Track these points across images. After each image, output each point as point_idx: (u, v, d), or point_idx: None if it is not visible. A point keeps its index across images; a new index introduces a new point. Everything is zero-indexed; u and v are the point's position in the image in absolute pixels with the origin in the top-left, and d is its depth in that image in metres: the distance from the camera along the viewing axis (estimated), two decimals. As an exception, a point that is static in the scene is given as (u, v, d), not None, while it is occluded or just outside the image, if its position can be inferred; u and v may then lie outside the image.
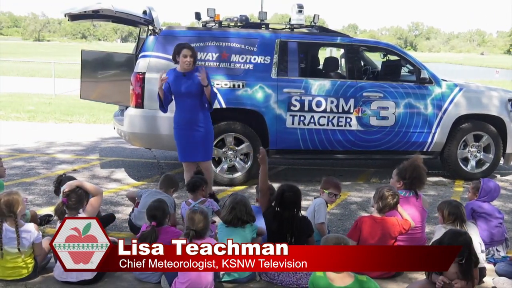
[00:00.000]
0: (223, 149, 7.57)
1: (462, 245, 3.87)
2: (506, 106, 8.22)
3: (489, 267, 4.76)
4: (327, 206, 5.26)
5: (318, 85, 7.61)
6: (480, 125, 8.17)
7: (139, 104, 7.28)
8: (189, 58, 6.14)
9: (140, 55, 7.38)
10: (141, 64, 7.29)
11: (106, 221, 5.55)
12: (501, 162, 8.50)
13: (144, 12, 7.64)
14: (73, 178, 5.37)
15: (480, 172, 8.25)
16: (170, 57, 7.21)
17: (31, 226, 4.45)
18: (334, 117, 7.65)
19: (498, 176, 8.60)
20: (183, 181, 6.61)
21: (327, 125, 7.65)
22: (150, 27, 7.49)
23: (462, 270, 3.97)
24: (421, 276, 4.49)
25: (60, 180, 5.28)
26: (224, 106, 7.40)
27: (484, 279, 4.55)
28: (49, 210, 6.10)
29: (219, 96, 7.32)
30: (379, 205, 4.78)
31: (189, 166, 6.37)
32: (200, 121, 6.30)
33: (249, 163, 7.64)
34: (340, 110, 7.64)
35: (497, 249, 5.06)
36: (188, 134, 6.30)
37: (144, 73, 7.23)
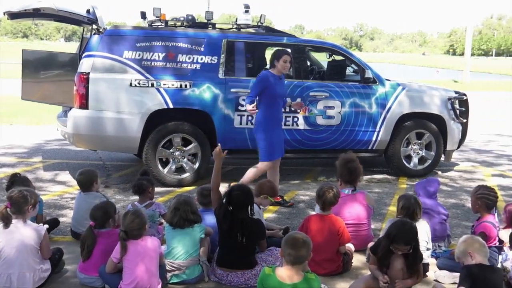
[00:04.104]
0: (171, 150, 7.51)
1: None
2: (446, 104, 8.49)
3: (431, 261, 4.90)
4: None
5: (265, 85, 7.64)
6: (422, 123, 8.41)
7: (84, 105, 7.13)
8: (289, 63, 6.58)
9: (84, 55, 7.22)
10: (85, 64, 7.13)
11: (50, 226, 5.40)
12: (442, 159, 8.78)
13: (88, 11, 7.49)
14: (27, 179, 5.26)
15: (423, 169, 8.51)
16: (116, 57, 7.16)
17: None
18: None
19: (439, 172, 8.89)
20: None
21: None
22: (94, 26, 7.34)
23: (408, 265, 4.08)
24: (367, 272, 4.59)
25: (13, 180, 5.13)
26: (171, 106, 7.34)
27: (426, 274, 4.69)
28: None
29: (166, 96, 7.27)
30: (321, 203, 4.87)
31: (276, 163, 6.75)
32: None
33: (197, 163, 7.60)
34: (287, 109, 7.70)
35: (438, 245, 5.21)
36: (279, 133, 6.73)
37: (88, 73, 7.09)
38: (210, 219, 4.83)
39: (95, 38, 7.23)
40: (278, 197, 6.74)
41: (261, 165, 6.63)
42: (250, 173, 6.69)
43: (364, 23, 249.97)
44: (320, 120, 7.86)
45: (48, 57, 8.52)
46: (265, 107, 6.56)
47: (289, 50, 7.03)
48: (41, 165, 8.79)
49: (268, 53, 10.18)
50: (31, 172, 8.23)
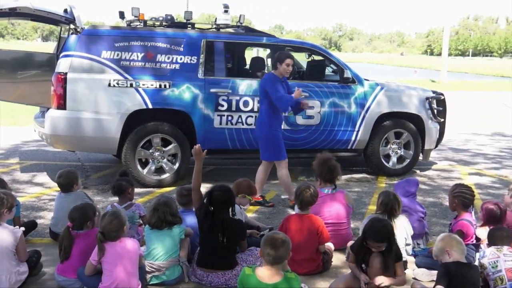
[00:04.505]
0: (150, 150, 7.46)
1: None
2: (424, 104, 8.59)
3: (410, 259, 4.95)
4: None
5: (245, 85, 7.66)
6: (400, 122, 8.48)
7: (61, 106, 7.06)
8: (291, 67, 6.61)
9: (61, 55, 7.16)
10: (62, 64, 7.06)
11: (27, 228, 5.34)
12: (420, 158, 8.87)
13: (65, 11, 7.42)
14: (3, 181, 5.21)
15: (401, 168, 8.59)
16: (94, 57, 7.11)
17: None
18: (261, 116, 7.71)
19: (418, 171, 8.98)
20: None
21: (255, 124, 7.69)
22: (72, 26, 7.27)
23: (383, 262, 4.11)
24: (347, 270, 4.62)
25: None
26: (150, 106, 7.30)
27: (405, 271, 4.73)
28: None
29: (145, 96, 7.23)
30: (298, 203, 4.89)
31: (271, 165, 6.85)
32: None
33: (177, 164, 7.57)
34: (267, 109, 7.71)
35: (417, 242, 5.26)
36: (281, 133, 6.75)
37: (66, 73, 7.03)
38: (190, 219, 4.82)
39: (73, 38, 7.17)
40: (259, 197, 6.77)
41: (278, 164, 6.67)
42: (282, 183, 6.81)
43: (343, 23, 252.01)
44: (299, 120, 7.88)
45: (25, 57, 8.41)
46: (268, 108, 6.60)
47: (291, 53, 7.03)
48: (18, 166, 8.68)
49: (248, 53, 10.20)
50: (7, 173, 8.12)
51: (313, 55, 8.81)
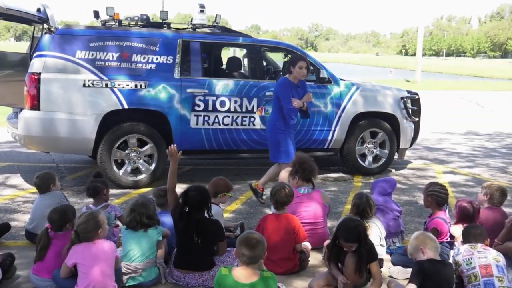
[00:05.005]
0: (126, 151, 7.40)
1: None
2: (399, 104, 8.68)
3: (386, 257, 5.00)
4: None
5: (221, 85, 7.64)
6: (376, 122, 8.56)
7: (35, 106, 6.96)
8: (305, 69, 6.53)
9: (34, 54, 7.06)
10: (36, 64, 6.97)
11: (1, 230, 5.25)
12: (396, 157, 8.96)
13: (38, 10, 7.32)
14: None
15: (377, 167, 8.67)
16: (68, 56, 7.03)
17: None
18: (238, 116, 7.72)
19: (393, 170, 9.07)
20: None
21: (231, 124, 7.70)
22: (45, 26, 7.18)
23: (357, 262, 4.13)
24: (324, 269, 4.64)
25: None
26: (126, 107, 7.25)
27: (381, 270, 4.77)
28: None
29: (120, 96, 7.17)
30: (273, 202, 4.91)
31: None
32: None
33: (153, 164, 7.53)
34: (244, 109, 7.73)
35: (393, 241, 5.32)
36: (292, 136, 6.81)
37: (40, 73, 6.93)
38: (167, 220, 4.79)
39: (46, 38, 7.07)
40: (262, 188, 6.93)
41: (283, 166, 6.62)
42: (278, 175, 6.64)
43: (319, 24, 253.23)
44: (276, 120, 7.88)
45: (-3, 57, 8.28)
46: (277, 110, 6.64)
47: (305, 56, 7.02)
48: (-10, 168, 8.53)
49: (225, 53, 10.19)
50: (-20, 175, 7.97)
51: (289, 55, 8.83)
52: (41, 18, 7.18)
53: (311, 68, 8.37)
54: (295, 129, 7.92)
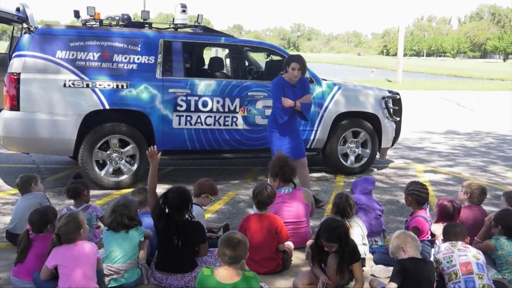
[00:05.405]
0: (108, 152, 7.35)
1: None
2: (380, 103, 8.74)
3: (368, 256, 5.03)
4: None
5: (203, 85, 7.63)
6: (357, 122, 8.61)
7: (14, 107, 6.88)
8: (297, 71, 6.44)
9: (14, 54, 6.97)
10: (15, 64, 6.88)
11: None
12: (378, 156, 9.02)
13: (18, 9, 7.25)
14: None
15: (359, 166, 8.72)
16: (48, 56, 6.96)
17: None
18: (220, 116, 7.71)
19: (375, 170, 9.13)
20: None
21: (214, 125, 7.69)
22: (25, 25, 7.10)
23: (338, 263, 4.14)
24: (307, 269, 4.65)
25: None
26: (107, 107, 7.19)
27: (363, 269, 4.80)
28: None
29: (102, 97, 7.12)
30: (255, 202, 4.91)
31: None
32: None
33: (135, 165, 7.48)
34: (226, 109, 7.72)
35: (375, 240, 5.36)
36: (292, 136, 6.64)
37: (19, 73, 6.85)
38: (149, 221, 4.76)
39: (26, 37, 6.99)
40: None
41: None
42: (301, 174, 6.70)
43: (302, 24, 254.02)
44: (259, 120, 7.90)
45: (-25, 57, 8.17)
46: (275, 110, 6.60)
47: (300, 56, 6.82)
48: (-31, 169, 8.40)
49: (207, 53, 10.17)
50: (-42, 177, 7.86)
51: (271, 55, 8.86)
52: (21, 18, 7.10)
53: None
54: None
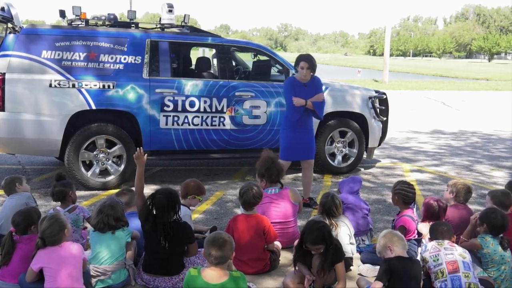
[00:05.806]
0: (94, 152, 7.31)
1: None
2: (367, 103, 8.78)
3: (355, 255, 5.04)
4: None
5: (191, 85, 7.61)
6: (345, 122, 8.64)
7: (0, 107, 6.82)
8: (306, 70, 6.47)
9: (-1, 54, 6.90)
10: (0, 65, 6.81)
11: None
12: (365, 156, 9.06)
13: (2, 9, 7.19)
14: None
15: (346, 166, 8.75)
16: (34, 56, 6.92)
17: None
18: (207, 116, 7.69)
19: (362, 169, 9.17)
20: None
21: (201, 125, 7.67)
22: (10, 25, 7.04)
23: (322, 264, 4.14)
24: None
25: None
26: (94, 107, 7.15)
27: (350, 268, 4.83)
28: None
29: (88, 97, 7.08)
30: (242, 202, 4.90)
31: (305, 166, 6.85)
32: None
33: (122, 165, 7.44)
34: (214, 109, 7.71)
35: (362, 239, 5.38)
36: (301, 136, 6.66)
37: (4, 73, 6.80)
38: (136, 222, 4.74)
39: (11, 37, 6.93)
40: (307, 199, 6.78)
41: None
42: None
43: (288, 24, 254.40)
44: (246, 120, 7.90)
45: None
46: (287, 109, 6.64)
47: (309, 55, 6.86)
48: (-47, 171, 8.31)
49: (194, 53, 10.13)
50: None
51: (258, 55, 8.86)
52: (5, 17, 7.03)
53: (281, 68, 8.42)
54: (265, 129, 7.99)
